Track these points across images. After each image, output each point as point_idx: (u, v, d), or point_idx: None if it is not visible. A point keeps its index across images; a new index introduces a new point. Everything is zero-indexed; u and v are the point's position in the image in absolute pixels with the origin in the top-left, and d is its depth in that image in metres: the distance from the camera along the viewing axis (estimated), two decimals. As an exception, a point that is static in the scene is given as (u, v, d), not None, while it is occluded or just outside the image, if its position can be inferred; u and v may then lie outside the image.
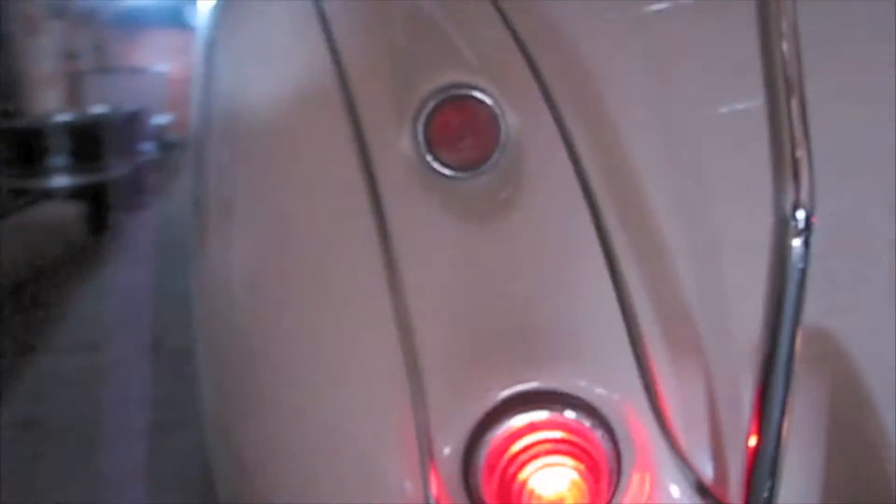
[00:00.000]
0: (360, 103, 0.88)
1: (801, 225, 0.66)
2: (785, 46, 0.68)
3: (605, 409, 0.76)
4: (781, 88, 0.67)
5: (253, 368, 0.83)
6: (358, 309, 0.81)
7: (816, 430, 0.79)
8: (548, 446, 0.74)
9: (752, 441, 0.70)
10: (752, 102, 0.78)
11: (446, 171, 0.83)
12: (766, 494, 0.70)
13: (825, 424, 0.79)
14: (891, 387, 0.81)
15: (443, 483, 0.75)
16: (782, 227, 0.66)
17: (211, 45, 1.17)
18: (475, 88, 0.84)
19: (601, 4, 0.94)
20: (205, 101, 1.12)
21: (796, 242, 0.66)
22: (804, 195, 0.66)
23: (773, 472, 0.70)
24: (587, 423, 0.75)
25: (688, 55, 0.91)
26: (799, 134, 0.67)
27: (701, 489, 0.77)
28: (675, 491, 0.78)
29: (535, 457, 0.73)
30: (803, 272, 0.66)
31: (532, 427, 0.74)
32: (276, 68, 0.98)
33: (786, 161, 0.66)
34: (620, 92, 0.90)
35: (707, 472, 0.78)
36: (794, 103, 0.67)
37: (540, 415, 0.75)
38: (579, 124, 0.88)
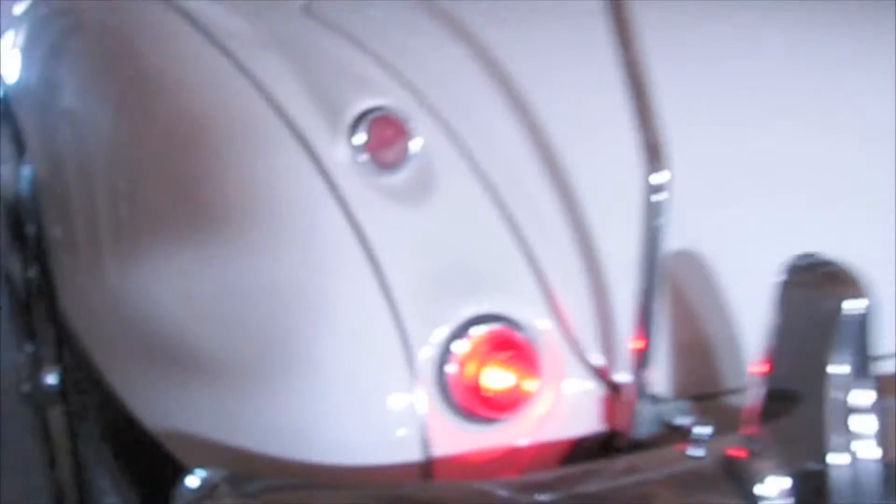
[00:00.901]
0: (299, 125, 1.16)
1: (663, 186, 1.00)
2: (637, 61, 1.02)
3: (524, 323, 1.09)
4: (639, 93, 1.01)
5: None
6: (340, 267, 1.09)
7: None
8: (494, 352, 1.05)
9: (639, 344, 1.04)
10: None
11: (376, 170, 1.13)
12: (643, 381, 1.05)
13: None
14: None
15: (426, 393, 1.05)
16: (648, 189, 1.00)
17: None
18: (392, 109, 1.15)
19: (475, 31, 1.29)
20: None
21: (660, 198, 1.00)
22: (663, 165, 1.00)
23: (648, 364, 1.05)
24: (514, 333, 1.07)
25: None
26: (655, 124, 1.01)
27: (594, 374, 1.11)
28: (576, 377, 1.11)
29: (489, 361, 1.05)
30: (665, 221, 1.01)
31: (481, 340, 1.06)
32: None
33: (649, 143, 1.00)
34: (501, 100, 1.24)
35: (598, 361, 1.12)
36: (649, 103, 1.01)
37: (485, 330, 1.06)
38: (471, 126, 1.21)
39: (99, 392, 1.45)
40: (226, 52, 1.29)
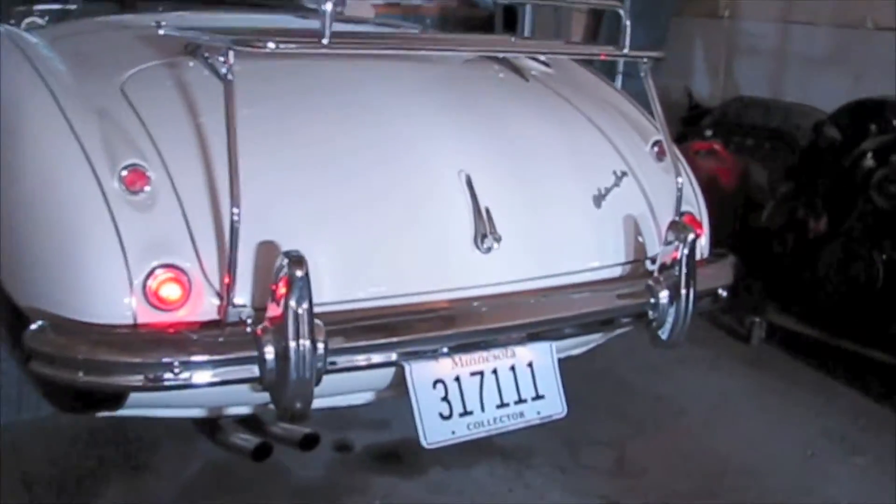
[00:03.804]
0: (92, 162, 2.55)
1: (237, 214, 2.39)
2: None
3: (183, 266, 2.49)
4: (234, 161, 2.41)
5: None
6: (104, 230, 2.47)
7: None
8: (167, 281, 2.46)
9: (227, 279, 2.45)
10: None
11: (128, 192, 2.53)
12: (231, 297, 2.46)
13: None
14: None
15: (137, 297, 2.44)
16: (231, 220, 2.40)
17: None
18: (142, 165, 2.54)
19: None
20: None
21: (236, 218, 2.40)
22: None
23: (233, 289, 2.45)
24: (179, 272, 2.47)
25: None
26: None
27: (214, 292, 2.51)
28: (205, 294, 2.51)
29: (164, 284, 2.46)
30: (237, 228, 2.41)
31: (163, 274, 2.46)
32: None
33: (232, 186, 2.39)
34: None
35: (215, 285, 2.51)
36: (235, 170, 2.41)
37: (167, 267, 2.46)
38: (179, 173, 2.59)
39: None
40: (62, 110, 2.65)
